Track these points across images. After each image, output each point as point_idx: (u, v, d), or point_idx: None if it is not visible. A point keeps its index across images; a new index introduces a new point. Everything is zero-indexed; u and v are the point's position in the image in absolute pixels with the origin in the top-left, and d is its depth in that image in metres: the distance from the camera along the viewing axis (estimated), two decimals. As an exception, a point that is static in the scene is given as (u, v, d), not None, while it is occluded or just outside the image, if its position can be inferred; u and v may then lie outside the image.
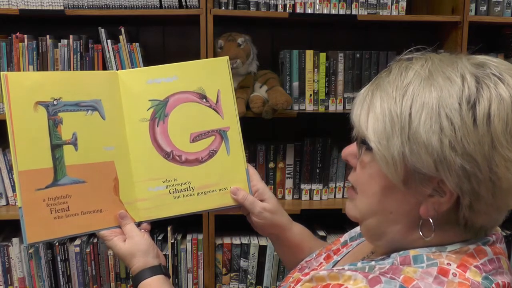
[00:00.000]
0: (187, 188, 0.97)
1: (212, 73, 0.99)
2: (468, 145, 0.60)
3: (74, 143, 0.89)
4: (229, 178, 0.98)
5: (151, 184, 0.95)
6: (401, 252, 0.67)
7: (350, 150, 0.74)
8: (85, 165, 0.90)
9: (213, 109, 0.99)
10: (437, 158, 0.61)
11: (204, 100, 0.98)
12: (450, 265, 0.63)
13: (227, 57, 1.01)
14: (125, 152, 0.94)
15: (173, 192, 0.96)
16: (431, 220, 0.65)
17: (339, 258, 0.85)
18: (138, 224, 0.94)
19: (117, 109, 0.94)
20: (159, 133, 0.96)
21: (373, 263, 0.68)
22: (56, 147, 0.87)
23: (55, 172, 0.87)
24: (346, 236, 0.92)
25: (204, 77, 0.99)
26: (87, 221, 0.89)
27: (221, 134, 0.99)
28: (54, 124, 0.88)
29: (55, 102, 0.88)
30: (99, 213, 0.90)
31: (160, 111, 0.96)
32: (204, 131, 0.98)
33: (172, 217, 0.97)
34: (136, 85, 0.96)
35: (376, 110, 0.65)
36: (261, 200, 0.99)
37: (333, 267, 0.82)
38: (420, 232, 0.67)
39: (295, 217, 2.04)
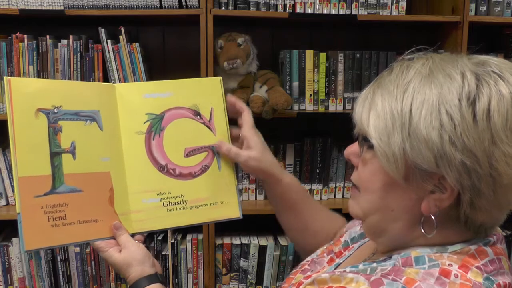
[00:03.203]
0: (180, 201, 0.98)
1: (206, 92, 1.02)
2: (468, 141, 0.60)
3: (72, 151, 0.89)
4: (219, 193, 1.01)
5: (145, 196, 0.96)
6: (402, 254, 0.68)
7: (352, 150, 0.74)
8: (82, 174, 0.90)
9: (207, 126, 1.02)
10: (437, 154, 0.61)
11: (198, 117, 1.01)
12: (452, 266, 0.63)
13: (220, 78, 1.04)
14: (121, 163, 0.95)
15: (167, 204, 0.97)
16: (432, 217, 0.65)
17: (341, 261, 0.85)
18: (132, 236, 0.94)
19: (114, 121, 0.95)
20: (155, 146, 0.98)
21: (374, 264, 0.68)
22: (55, 154, 0.87)
23: (53, 180, 0.87)
24: (346, 236, 0.92)
25: (198, 94, 1.01)
26: (82, 230, 0.89)
27: (213, 150, 1.01)
28: (54, 132, 0.88)
29: (55, 110, 0.88)
30: (94, 223, 0.90)
31: (156, 125, 0.98)
32: (198, 147, 1.00)
33: (165, 229, 0.99)
34: (133, 98, 0.98)
35: (377, 108, 0.66)
36: (248, 148, 0.99)
37: (334, 269, 0.82)
38: (422, 229, 0.67)
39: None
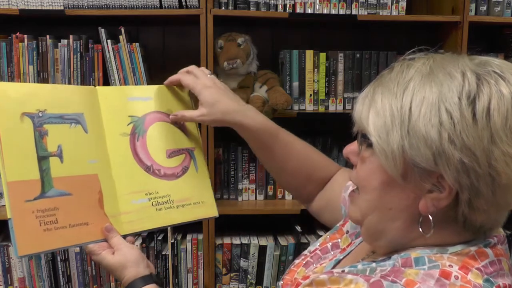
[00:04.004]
0: (167, 200, 1.00)
1: (177, 98, 1.05)
2: (467, 139, 0.60)
3: (59, 155, 0.89)
4: (199, 193, 1.04)
5: (135, 197, 0.97)
6: (402, 254, 0.67)
7: (351, 148, 0.74)
8: (71, 177, 0.90)
9: (181, 130, 1.05)
10: (435, 152, 0.61)
11: None
12: (452, 267, 0.63)
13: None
14: (107, 165, 0.95)
15: (156, 204, 0.98)
16: (430, 217, 0.65)
17: (341, 257, 0.84)
18: (124, 237, 0.94)
19: (98, 123, 0.96)
20: (139, 147, 0.99)
21: (374, 264, 0.68)
22: (42, 158, 0.87)
23: (42, 184, 0.86)
24: (348, 226, 0.91)
25: (171, 100, 1.05)
26: (74, 233, 0.88)
27: (190, 153, 1.05)
28: (40, 136, 0.88)
29: (40, 114, 0.88)
30: (85, 226, 0.90)
31: (139, 127, 1.00)
32: (177, 149, 1.04)
33: (155, 229, 1.00)
34: (116, 101, 0.99)
35: (377, 106, 0.66)
36: (200, 105, 0.98)
37: (335, 265, 0.82)
38: (420, 229, 0.67)
39: (296, 217, 2.03)
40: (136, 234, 0.98)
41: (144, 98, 1.02)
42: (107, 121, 0.97)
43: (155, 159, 1.00)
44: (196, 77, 0.99)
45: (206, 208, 1.04)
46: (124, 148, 0.98)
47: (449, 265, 0.63)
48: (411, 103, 0.63)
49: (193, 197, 1.03)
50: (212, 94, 0.97)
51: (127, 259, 0.89)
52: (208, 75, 1.01)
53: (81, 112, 0.94)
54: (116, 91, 1.02)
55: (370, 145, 0.67)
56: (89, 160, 0.93)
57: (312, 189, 1.07)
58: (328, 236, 0.93)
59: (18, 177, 0.84)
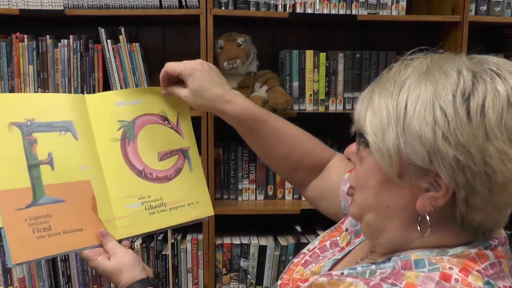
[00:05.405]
0: (160, 204, 1.00)
1: (172, 98, 1.05)
2: (462, 136, 0.60)
3: (50, 162, 0.89)
4: (194, 193, 1.04)
5: (128, 201, 0.97)
6: (402, 256, 0.67)
7: (353, 149, 0.74)
8: (63, 184, 0.90)
9: (175, 130, 1.05)
10: (430, 149, 0.61)
11: (167, 122, 1.05)
12: (452, 269, 0.63)
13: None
14: (99, 171, 0.95)
15: (149, 208, 0.99)
16: (427, 216, 0.65)
17: (339, 257, 0.84)
18: (119, 242, 0.94)
19: (87, 130, 0.96)
20: (130, 152, 1.00)
21: (373, 267, 0.68)
22: (33, 166, 0.87)
23: (34, 192, 0.86)
24: (347, 223, 0.91)
25: (164, 100, 1.05)
26: (69, 240, 0.88)
27: (184, 153, 1.05)
28: (29, 144, 0.88)
29: (28, 123, 0.89)
30: (80, 232, 0.90)
31: (129, 132, 1.00)
32: (169, 150, 1.04)
33: (149, 233, 1.00)
34: (105, 107, 1.00)
35: (374, 105, 0.66)
36: (187, 86, 0.99)
37: (333, 264, 0.82)
38: (418, 227, 0.67)
39: (296, 217, 2.03)
40: (131, 239, 0.98)
41: (133, 101, 1.02)
42: (97, 127, 0.97)
43: (147, 162, 1.00)
44: (182, 63, 0.99)
45: (201, 208, 1.04)
46: (115, 153, 0.98)
47: (449, 268, 0.63)
48: (407, 101, 0.63)
49: (186, 199, 1.03)
50: (198, 80, 0.97)
51: (123, 263, 0.89)
52: None
53: (70, 120, 0.94)
54: (104, 97, 1.02)
55: (367, 144, 0.67)
56: (80, 166, 0.93)
57: (304, 175, 1.06)
58: (326, 234, 0.93)
59: (8, 186, 0.85)
